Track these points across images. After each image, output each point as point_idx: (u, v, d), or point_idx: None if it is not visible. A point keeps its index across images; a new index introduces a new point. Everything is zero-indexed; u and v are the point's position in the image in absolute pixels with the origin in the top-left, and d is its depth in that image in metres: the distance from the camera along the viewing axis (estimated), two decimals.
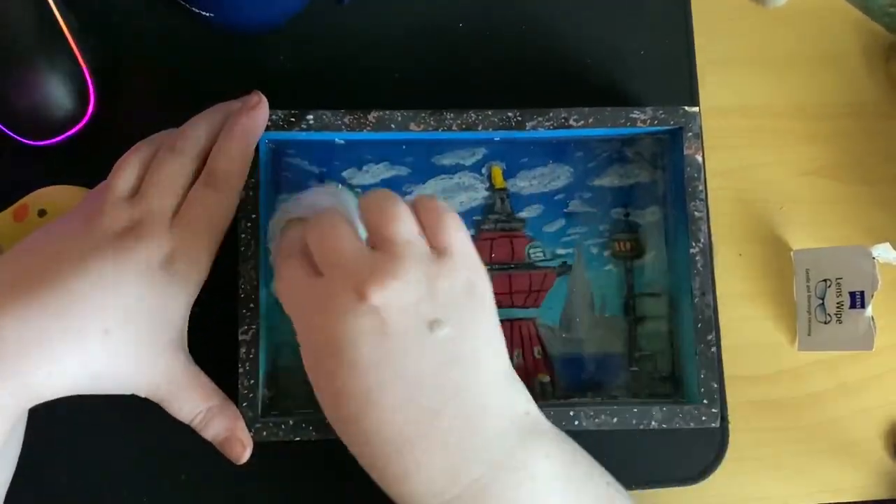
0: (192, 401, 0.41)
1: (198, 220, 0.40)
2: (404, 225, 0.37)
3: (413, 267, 0.36)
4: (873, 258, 0.49)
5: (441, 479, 0.35)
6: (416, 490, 0.35)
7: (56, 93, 0.45)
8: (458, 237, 0.38)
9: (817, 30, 0.55)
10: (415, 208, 0.39)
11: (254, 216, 0.45)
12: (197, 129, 0.42)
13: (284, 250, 0.41)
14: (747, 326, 0.53)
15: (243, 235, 0.45)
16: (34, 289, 0.37)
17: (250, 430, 0.44)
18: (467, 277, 0.37)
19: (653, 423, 0.46)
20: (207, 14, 0.47)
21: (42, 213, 0.45)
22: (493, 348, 0.38)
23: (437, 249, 0.37)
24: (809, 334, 0.52)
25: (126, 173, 0.41)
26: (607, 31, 0.53)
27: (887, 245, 0.49)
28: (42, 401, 0.38)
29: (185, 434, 0.47)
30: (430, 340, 0.35)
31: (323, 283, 0.37)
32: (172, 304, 0.40)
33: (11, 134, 0.46)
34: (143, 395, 0.40)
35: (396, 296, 0.35)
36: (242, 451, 0.42)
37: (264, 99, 0.44)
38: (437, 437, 0.35)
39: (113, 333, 0.38)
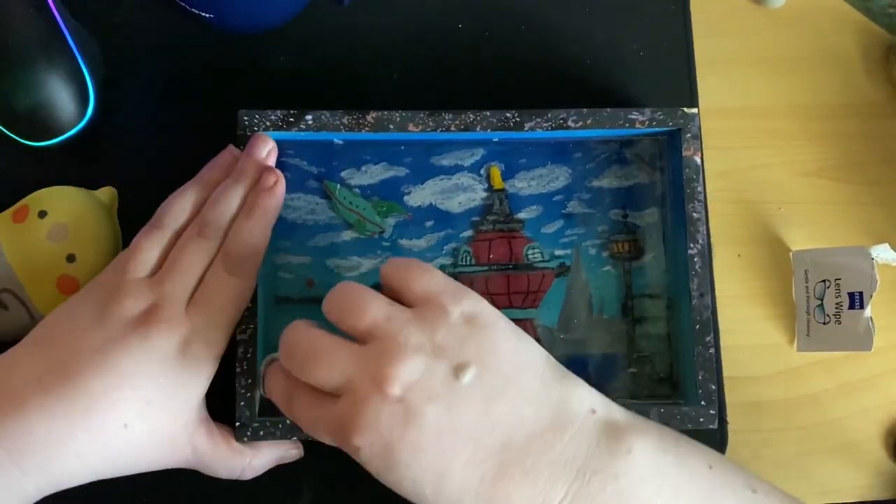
0: (224, 466, 0.44)
1: (214, 304, 0.41)
2: (373, 310, 0.37)
3: (404, 340, 0.35)
4: (872, 259, 0.49)
5: None
6: None
7: (56, 94, 0.45)
8: (427, 280, 0.38)
9: (817, 30, 0.55)
10: (382, 277, 0.39)
11: None
12: (219, 210, 0.43)
13: (279, 392, 0.40)
14: (746, 327, 0.53)
15: None
16: (58, 385, 0.38)
17: (248, 431, 0.44)
18: (459, 311, 0.37)
19: None
20: (207, 15, 0.47)
21: (42, 214, 0.45)
22: (524, 358, 0.37)
23: (418, 302, 0.37)
24: (808, 335, 0.52)
25: (145, 255, 0.42)
26: (607, 31, 0.53)
27: (886, 246, 0.49)
28: (61, 489, 0.40)
29: None
30: (461, 390, 0.35)
31: (342, 406, 0.36)
32: (190, 387, 0.41)
33: (12, 135, 0.46)
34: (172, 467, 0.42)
35: (407, 377, 0.35)
36: (298, 454, 0.46)
37: (281, 178, 0.44)
38: (515, 469, 0.35)
39: (133, 426, 0.39)
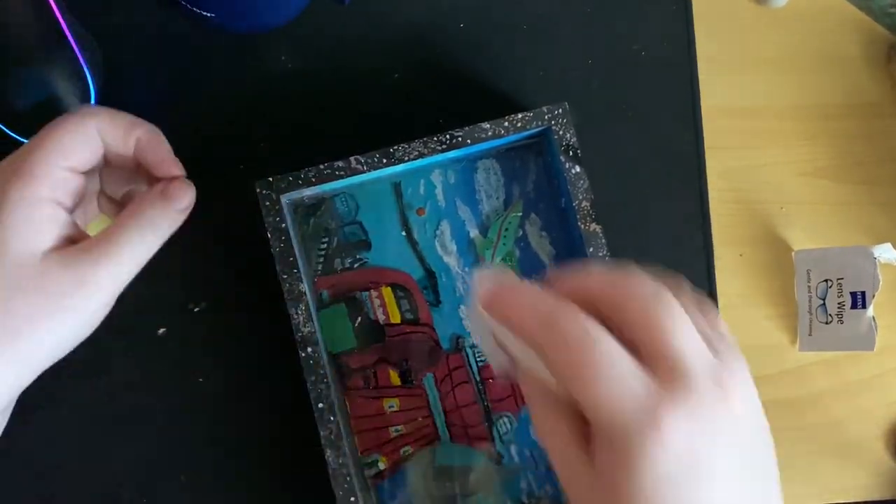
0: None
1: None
2: (688, 341, 0.30)
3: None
4: (874, 258, 0.49)
5: None
6: None
7: (56, 92, 0.45)
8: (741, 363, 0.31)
9: (818, 30, 0.55)
10: (592, 290, 0.31)
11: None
12: None
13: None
14: (748, 327, 0.53)
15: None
16: None
17: None
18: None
19: None
20: (208, 14, 0.47)
21: None
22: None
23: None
24: (811, 334, 0.52)
25: None
26: (607, 31, 0.53)
27: (888, 245, 0.49)
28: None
29: (184, 435, 0.47)
30: None
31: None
32: None
33: (11, 134, 0.46)
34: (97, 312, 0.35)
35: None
36: (184, 188, 0.37)
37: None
38: None
39: None
